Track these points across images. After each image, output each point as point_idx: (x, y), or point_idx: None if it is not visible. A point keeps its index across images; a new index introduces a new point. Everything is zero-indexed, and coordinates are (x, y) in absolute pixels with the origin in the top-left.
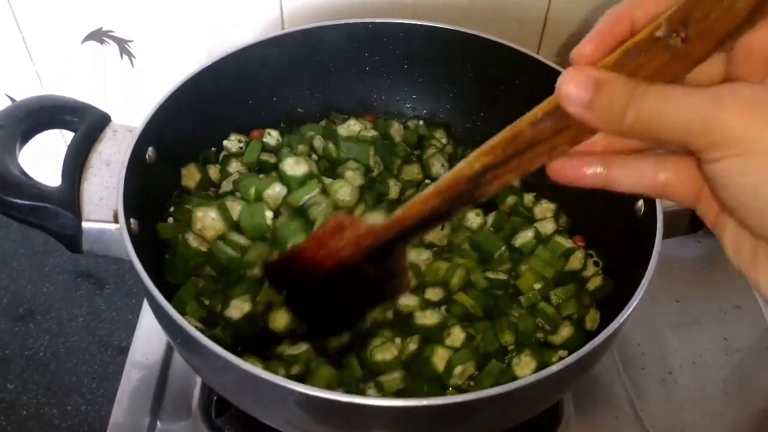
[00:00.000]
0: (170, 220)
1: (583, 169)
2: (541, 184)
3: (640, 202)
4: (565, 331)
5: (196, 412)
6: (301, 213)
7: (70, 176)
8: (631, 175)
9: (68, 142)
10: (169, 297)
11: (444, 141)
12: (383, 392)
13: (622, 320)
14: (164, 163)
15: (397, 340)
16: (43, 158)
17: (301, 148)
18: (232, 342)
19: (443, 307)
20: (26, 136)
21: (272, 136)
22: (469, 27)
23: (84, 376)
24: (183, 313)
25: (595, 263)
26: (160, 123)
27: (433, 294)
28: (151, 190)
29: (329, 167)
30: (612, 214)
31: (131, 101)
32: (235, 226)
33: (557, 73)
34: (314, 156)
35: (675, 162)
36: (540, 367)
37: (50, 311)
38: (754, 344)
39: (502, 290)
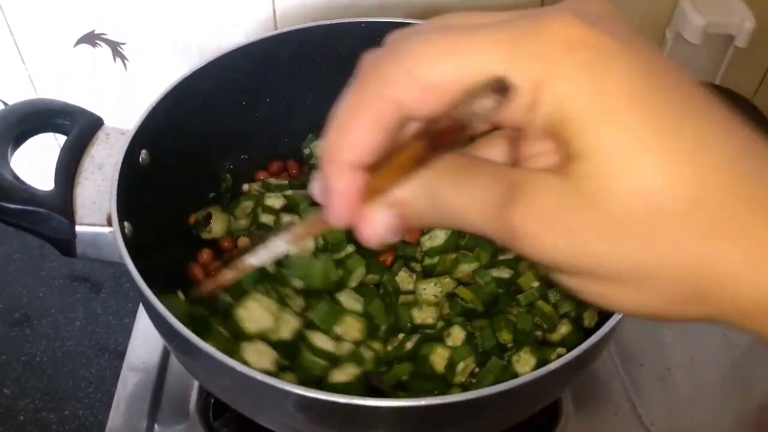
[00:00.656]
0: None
1: None
2: None
3: None
4: (563, 329)
5: (194, 415)
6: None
7: (62, 180)
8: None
9: (61, 146)
10: None
11: None
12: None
13: (619, 317)
14: (158, 165)
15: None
16: (35, 162)
17: None
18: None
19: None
20: (18, 140)
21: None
22: None
23: (81, 380)
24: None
25: None
26: (153, 125)
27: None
28: (145, 192)
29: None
30: None
31: (124, 104)
32: None
33: None
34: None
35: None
36: (539, 364)
37: (46, 316)
38: (752, 340)
39: (504, 288)
